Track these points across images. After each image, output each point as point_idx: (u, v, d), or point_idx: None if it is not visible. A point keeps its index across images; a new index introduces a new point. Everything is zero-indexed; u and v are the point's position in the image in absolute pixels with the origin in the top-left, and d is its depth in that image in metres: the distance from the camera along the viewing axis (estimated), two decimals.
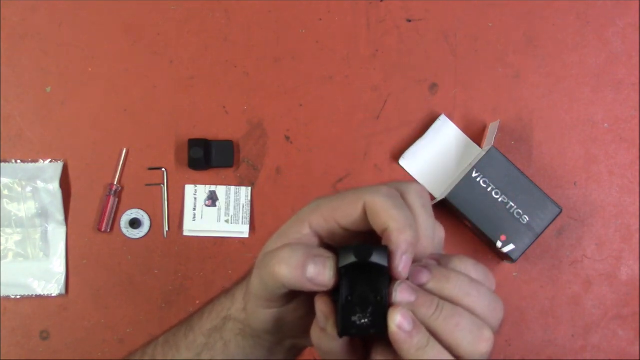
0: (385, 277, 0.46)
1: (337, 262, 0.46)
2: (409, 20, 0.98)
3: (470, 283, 0.47)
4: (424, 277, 0.46)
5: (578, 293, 0.97)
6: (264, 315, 0.52)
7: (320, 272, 0.46)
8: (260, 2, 0.97)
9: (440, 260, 0.49)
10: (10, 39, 0.95)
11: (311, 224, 0.49)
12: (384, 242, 0.46)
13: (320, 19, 0.97)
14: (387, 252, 0.46)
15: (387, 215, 0.46)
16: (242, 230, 0.95)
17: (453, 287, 0.46)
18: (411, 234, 0.46)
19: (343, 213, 0.48)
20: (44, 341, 0.93)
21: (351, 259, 0.45)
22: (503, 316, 0.48)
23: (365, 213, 0.48)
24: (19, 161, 0.94)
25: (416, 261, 0.47)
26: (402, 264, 0.46)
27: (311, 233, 0.49)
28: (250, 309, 0.53)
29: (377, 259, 0.45)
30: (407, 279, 0.46)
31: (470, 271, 0.48)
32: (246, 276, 0.56)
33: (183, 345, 0.58)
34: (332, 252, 0.48)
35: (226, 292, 0.57)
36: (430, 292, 0.46)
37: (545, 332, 0.96)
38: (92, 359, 0.94)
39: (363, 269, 0.46)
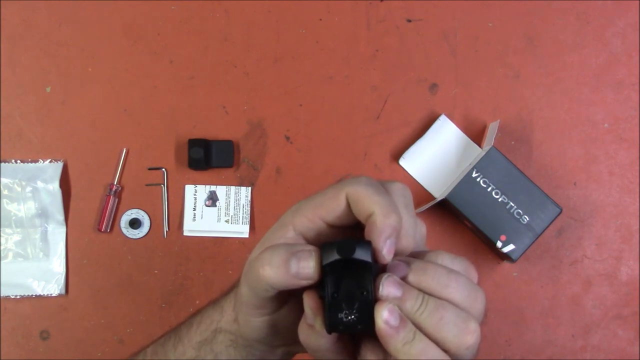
0: (370, 272, 0.45)
1: (321, 259, 0.46)
2: (409, 20, 0.98)
3: (448, 274, 0.46)
4: (402, 271, 0.46)
5: (578, 293, 0.96)
6: (256, 323, 0.52)
7: (303, 266, 0.46)
8: (260, 2, 0.97)
9: (419, 256, 0.49)
10: (10, 39, 0.95)
11: (295, 227, 0.49)
12: (367, 229, 0.46)
13: (320, 19, 0.97)
14: (371, 247, 0.45)
15: (370, 201, 0.46)
16: (242, 230, 0.95)
17: (431, 279, 0.46)
18: (395, 218, 0.46)
19: (327, 209, 0.48)
20: (44, 341, 0.93)
21: (334, 256, 0.45)
22: (485, 306, 0.48)
23: (348, 205, 0.48)
24: (18, 161, 0.94)
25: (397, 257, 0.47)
26: (386, 248, 0.45)
27: (295, 236, 0.49)
28: (242, 319, 0.53)
29: (360, 254, 0.45)
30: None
31: (447, 264, 0.48)
32: (233, 287, 0.55)
33: (172, 356, 0.58)
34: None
35: (213, 303, 0.57)
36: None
37: (545, 332, 0.96)
38: (92, 359, 0.94)
39: (347, 265, 0.45)
